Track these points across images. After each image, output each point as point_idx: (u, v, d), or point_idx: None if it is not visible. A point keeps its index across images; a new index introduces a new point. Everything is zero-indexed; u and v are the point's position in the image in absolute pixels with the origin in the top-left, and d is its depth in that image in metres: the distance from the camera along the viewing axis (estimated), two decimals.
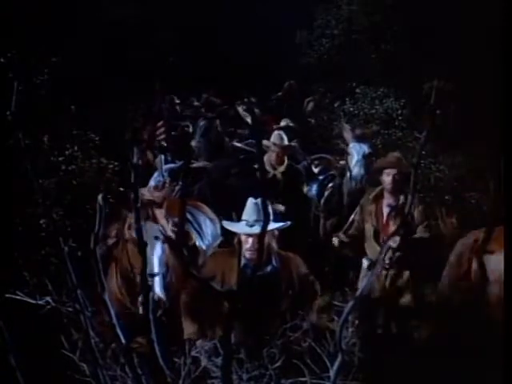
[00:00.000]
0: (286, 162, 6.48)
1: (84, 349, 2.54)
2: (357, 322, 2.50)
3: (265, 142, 6.38)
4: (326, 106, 9.96)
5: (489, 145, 7.80)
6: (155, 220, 4.01)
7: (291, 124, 8.10)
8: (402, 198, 5.20)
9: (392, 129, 8.92)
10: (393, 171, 5.25)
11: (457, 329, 5.74)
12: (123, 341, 2.34)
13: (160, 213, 4.07)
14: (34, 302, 2.72)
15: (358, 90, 9.62)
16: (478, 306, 6.10)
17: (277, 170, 6.44)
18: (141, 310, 3.78)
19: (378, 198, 5.35)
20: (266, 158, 6.35)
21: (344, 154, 6.52)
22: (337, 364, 2.36)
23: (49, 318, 2.90)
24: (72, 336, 2.73)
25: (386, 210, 5.27)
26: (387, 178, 5.26)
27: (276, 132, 6.67)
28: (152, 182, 6.15)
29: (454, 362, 4.85)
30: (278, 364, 2.69)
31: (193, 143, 8.23)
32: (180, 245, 3.66)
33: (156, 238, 3.96)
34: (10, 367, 2.32)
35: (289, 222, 4.27)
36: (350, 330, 2.44)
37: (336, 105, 9.76)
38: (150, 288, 3.83)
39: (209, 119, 8.39)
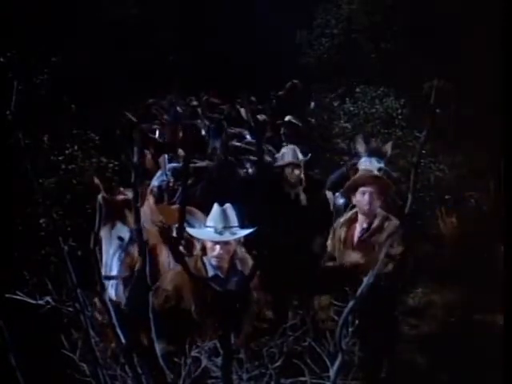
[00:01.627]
0: (303, 177, 5.80)
1: (84, 348, 2.54)
2: (357, 321, 2.49)
3: (280, 162, 5.83)
4: (326, 106, 9.95)
5: (489, 145, 7.82)
6: (123, 221, 3.79)
7: (294, 120, 7.78)
8: (376, 220, 4.55)
9: (392, 128, 8.91)
10: (369, 189, 4.55)
11: (457, 330, 5.76)
12: (123, 340, 2.34)
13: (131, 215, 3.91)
14: (33, 301, 2.72)
15: (357, 90, 9.62)
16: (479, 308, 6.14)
17: (297, 188, 5.75)
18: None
19: (352, 221, 4.68)
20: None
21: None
22: (337, 364, 2.36)
23: (49, 318, 2.90)
24: (72, 336, 2.73)
25: (357, 235, 4.62)
26: (363, 198, 4.56)
27: (288, 147, 5.98)
28: (155, 182, 6.08)
29: (454, 362, 4.86)
30: (277, 364, 2.69)
31: (210, 145, 8.10)
32: (177, 245, 3.62)
33: (120, 238, 3.79)
34: (10, 367, 2.32)
35: (255, 228, 4.10)
36: (350, 329, 2.43)
37: (336, 104, 9.75)
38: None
39: (217, 120, 8.32)
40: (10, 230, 5.39)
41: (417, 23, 9.58)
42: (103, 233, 3.76)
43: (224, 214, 3.91)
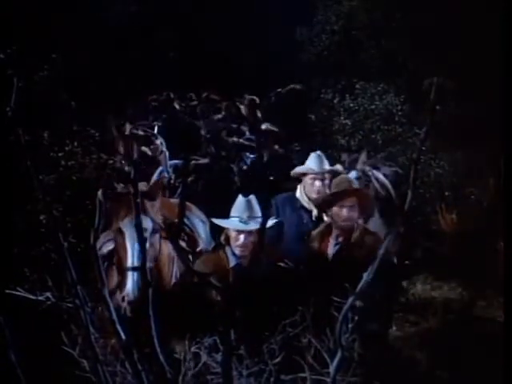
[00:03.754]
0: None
1: (84, 345, 2.54)
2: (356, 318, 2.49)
3: (300, 168, 5.12)
4: (326, 102, 9.94)
5: (489, 141, 7.81)
6: (144, 212, 3.78)
7: (272, 127, 7.42)
8: (355, 234, 4.22)
9: (392, 124, 8.91)
10: (348, 203, 4.22)
11: (457, 327, 5.76)
12: (123, 336, 2.34)
13: (151, 205, 3.95)
14: (34, 297, 2.72)
15: (357, 86, 9.61)
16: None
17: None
18: (127, 309, 3.56)
19: (324, 234, 4.32)
20: (299, 189, 5.07)
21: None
22: (336, 360, 2.36)
23: (49, 314, 2.91)
24: (72, 332, 2.73)
25: (332, 250, 4.27)
26: (341, 213, 4.21)
27: (314, 154, 5.14)
28: (156, 179, 6.05)
29: (454, 359, 4.86)
30: (277, 360, 2.70)
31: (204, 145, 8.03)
32: (177, 242, 3.62)
33: (143, 229, 3.82)
34: (10, 363, 2.32)
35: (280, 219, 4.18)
36: (350, 325, 2.44)
37: (336, 100, 9.74)
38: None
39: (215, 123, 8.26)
40: (10, 226, 5.39)
41: (417, 20, 9.57)
42: (125, 225, 3.77)
43: (249, 204, 4.04)
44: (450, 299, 6.44)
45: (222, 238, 4.10)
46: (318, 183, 4.91)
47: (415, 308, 6.29)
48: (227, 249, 4.02)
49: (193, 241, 4.50)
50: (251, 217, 3.97)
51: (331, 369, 2.38)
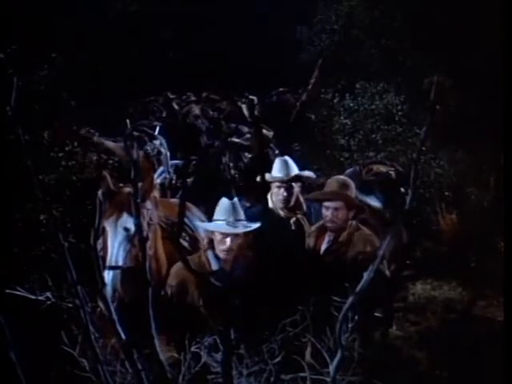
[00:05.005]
0: (298, 196, 4.68)
1: (84, 344, 2.54)
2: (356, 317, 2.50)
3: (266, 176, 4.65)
4: (326, 102, 9.94)
5: (489, 141, 7.82)
6: (130, 212, 3.66)
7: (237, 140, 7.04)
8: (345, 233, 4.23)
9: (392, 124, 8.91)
10: (332, 204, 4.22)
11: (457, 326, 5.76)
12: (123, 336, 2.34)
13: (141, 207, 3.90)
14: (34, 297, 2.72)
15: (357, 86, 9.61)
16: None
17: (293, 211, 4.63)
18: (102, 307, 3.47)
19: (322, 231, 4.35)
20: (269, 199, 4.63)
21: None
22: (336, 359, 2.37)
23: (49, 314, 2.91)
24: (72, 331, 2.73)
25: (324, 247, 4.31)
26: (326, 213, 4.24)
27: (278, 160, 4.74)
28: (157, 180, 6.03)
29: (453, 358, 4.86)
30: (277, 359, 2.70)
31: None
32: (178, 241, 3.61)
33: (126, 229, 3.75)
34: (11, 363, 2.32)
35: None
36: (350, 325, 2.44)
37: (336, 100, 9.74)
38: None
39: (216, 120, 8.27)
40: (10, 226, 5.38)
41: (417, 19, 9.57)
42: (109, 224, 3.75)
43: (234, 206, 3.94)
44: (449, 299, 6.44)
45: (205, 241, 3.99)
46: (283, 191, 4.56)
47: (415, 307, 6.29)
48: (209, 252, 3.92)
49: (195, 240, 4.48)
50: (238, 220, 3.89)
51: (331, 368, 2.38)
